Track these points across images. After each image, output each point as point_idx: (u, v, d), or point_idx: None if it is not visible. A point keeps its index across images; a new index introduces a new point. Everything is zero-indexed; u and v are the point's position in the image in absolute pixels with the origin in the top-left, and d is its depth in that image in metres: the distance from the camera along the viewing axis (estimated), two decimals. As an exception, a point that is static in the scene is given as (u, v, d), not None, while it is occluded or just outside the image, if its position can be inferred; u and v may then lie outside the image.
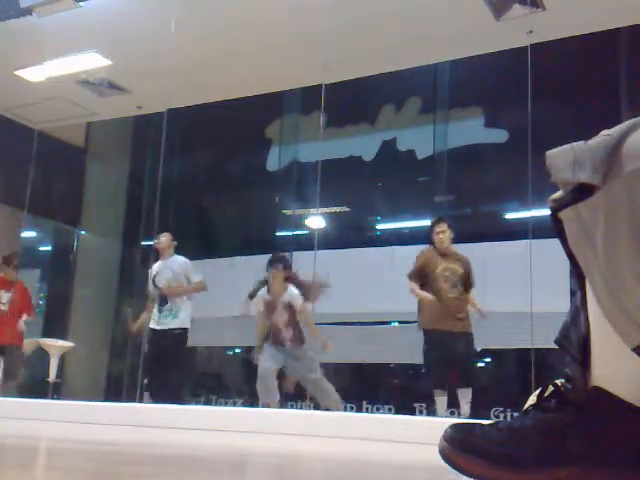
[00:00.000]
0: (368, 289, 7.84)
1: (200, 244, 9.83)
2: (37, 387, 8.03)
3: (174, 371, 6.27)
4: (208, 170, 10.13)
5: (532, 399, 1.06)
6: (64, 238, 10.39)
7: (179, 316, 6.27)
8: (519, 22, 6.11)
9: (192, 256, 7.19)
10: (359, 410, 7.54)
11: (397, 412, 7.28)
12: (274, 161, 9.65)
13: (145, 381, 6.43)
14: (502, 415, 6.83)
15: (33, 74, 7.78)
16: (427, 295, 5.55)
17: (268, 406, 5.85)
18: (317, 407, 5.92)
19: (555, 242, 0.99)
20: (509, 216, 8.68)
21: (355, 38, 6.68)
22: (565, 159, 0.95)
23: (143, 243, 9.81)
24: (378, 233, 9.78)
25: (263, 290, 6.07)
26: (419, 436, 3.37)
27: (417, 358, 5.91)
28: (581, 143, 0.95)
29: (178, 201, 9.53)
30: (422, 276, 5.63)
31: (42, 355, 8.01)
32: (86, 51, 7.30)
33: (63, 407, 5.22)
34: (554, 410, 1.00)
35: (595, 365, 0.98)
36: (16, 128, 8.81)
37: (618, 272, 0.89)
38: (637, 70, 6.94)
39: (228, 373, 9.95)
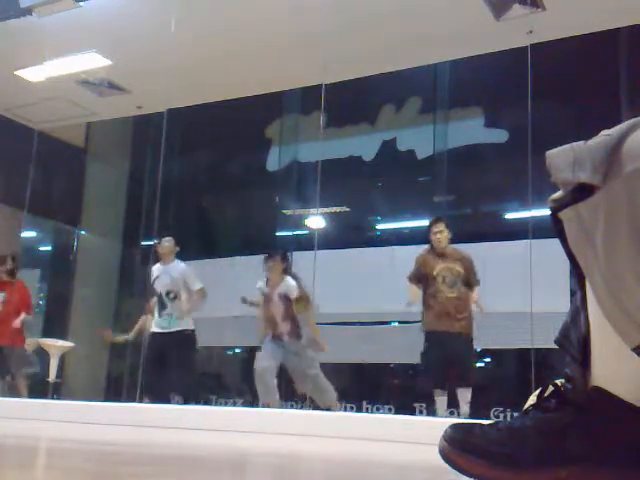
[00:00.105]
0: (368, 289, 7.84)
1: (200, 244, 9.83)
2: (37, 387, 8.02)
3: (186, 371, 6.34)
4: (208, 170, 10.13)
5: (532, 399, 1.06)
6: (64, 238, 10.39)
7: (183, 318, 6.30)
8: (519, 22, 6.10)
9: (192, 256, 7.21)
10: (359, 410, 7.54)
11: (397, 412, 7.28)
12: (274, 161, 9.65)
13: (142, 382, 6.43)
14: (502, 415, 6.83)
15: (33, 74, 7.78)
16: (413, 291, 5.60)
17: (268, 406, 5.85)
18: (316, 407, 5.92)
19: (555, 242, 0.99)
20: (509, 216, 8.68)
21: (355, 38, 6.68)
22: (565, 159, 0.95)
23: (143, 243, 9.81)
24: (378, 233, 9.78)
25: (262, 283, 6.09)
26: (419, 436, 3.37)
27: (417, 358, 5.92)
28: (581, 143, 0.95)
29: (178, 201, 9.53)
30: (421, 278, 5.65)
31: (42, 355, 8.01)
32: (86, 51, 7.30)
33: (63, 407, 5.22)
34: (554, 410, 1.00)
35: (595, 365, 0.98)
36: (16, 128, 8.82)
37: (618, 272, 0.89)
38: (637, 70, 6.94)
39: (228, 373, 9.95)
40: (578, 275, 0.98)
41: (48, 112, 8.53)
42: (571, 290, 1.08)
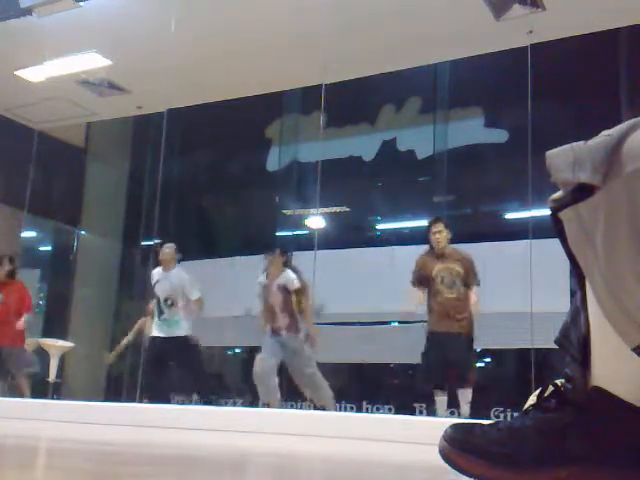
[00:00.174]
0: (368, 289, 7.84)
1: (200, 244, 9.83)
2: (37, 387, 8.02)
3: (194, 373, 6.39)
4: (208, 170, 10.13)
5: (532, 399, 1.06)
6: (64, 238, 10.39)
7: (182, 325, 6.33)
8: (519, 22, 6.10)
9: (192, 256, 7.21)
10: (359, 410, 7.54)
11: (397, 412, 7.28)
12: (274, 161, 9.65)
13: (142, 383, 6.45)
14: (502, 415, 6.83)
15: (33, 74, 7.78)
16: (416, 302, 5.62)
17: (268, 406, 5.86)
18: (315, 406, 5.92)
19: (555, 242, 0.99)
20: (509, 216, 8.68)
21: (355, 38, 6.68)
22: (565, 159, 0.95)
23: (143, 243, 9.81)
24: (378, 233, 9.78)
25: (262, 276, 6.10)
26: (419, 436, 3.37)
27: (417, 358, 5.92)
28: (581, 143, 0.95)
29: (178, 201, 9.53)
30: (423, 280, 5.65)
31: (42, 355, 8.01)
32: (86, 51, 7.30)
33: (63, 407, 5.22)
34: (554, 410, 1.00)
35: (595, 365, 0.98)
36: (16, 128, 8.82)
37: (618, 272, 0.89)
38: (637, 70, 6.94)
39: (228, 373, 9.95)
40: (578, 275, 0.98)
41: (48, 112, 8.53)
42: (571, 290, 1.08)
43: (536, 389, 1.07)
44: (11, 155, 8.56)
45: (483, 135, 8.35)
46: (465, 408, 5.42)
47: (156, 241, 6.70)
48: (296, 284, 5.95)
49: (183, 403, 6.44)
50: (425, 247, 5.82)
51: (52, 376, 7.82)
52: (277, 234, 9.59)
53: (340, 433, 3.88)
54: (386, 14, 6.36)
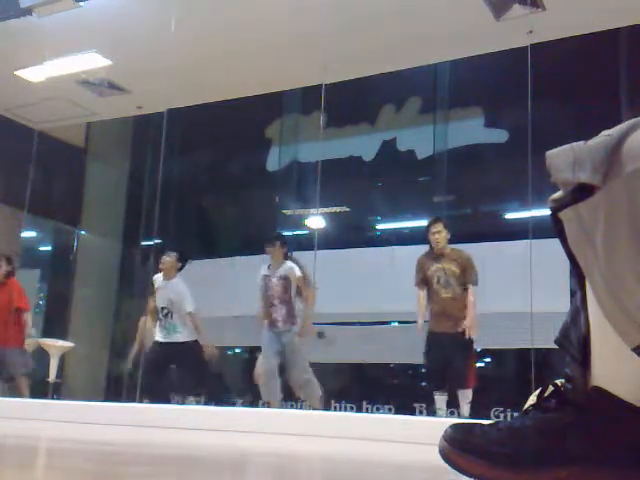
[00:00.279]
0: (368, 289, 7.84)
1: (200, 244, 9.83)
2: (37, 387, 8.02)
3: (196, 377, 6.43)
4: (208, 170, 10.13)
5: (532, 399, 1.06)
6: (64, 238, 10.39)
7: (181, 331, 6.35)
8: (519, 22, 6.10)
9: (192, 256, 7.20)
10: (359, 410, 7.53)
11: (397, 412, 7.28)
12: (274, 161, 9.65)
13: (142, 383, 6.46)
14: (502, 415, 6.83)
15: (33, 74, 7.78)
16: (422, 306, 5.63)
17: (269, 405, 5.88)
18: (316, 407, 5.92)
19: (555, 242, 0.99)
20: (509, 216, 8.68)
21: (355, 38, 6.68)
22: (565, 159, 0.95)
23: (143, 243, 9.81)
24: (378, 233, 9.78)
25: (264, 266, 6.12)
26: (419, 436, 3.37)
27: (417, 358, 5.92)
28: (581, 143, 0.95)
29: (178, 201, 9.53)
30: (424, 280, 5.67)
31: (42, 355, 8.00)
32: (86, 51, 7.30)
33: (63, 407, 5.22)
34: (554, 410, 1.00)
35: (595, 365, 0.98)
36: (16, 128, 8.81)
37: (618, 272, 0.89)
38: (637, 70, 6.94)
39: (228, 373, 9.95)
40: (578, 275, 0.98)
41: (48, 112, 8.53)
42: (571, 290, 1.08)
43: (536, 389, 1.07)
44: (11, 155, 8.56)
45: (483, 135, 8.35)
46: (465, 408, 5.42)
47: (156, 241, 6.70)
48: (297, 272, 5.97)
49: (183, 403, 6.44)
50: (425, 247, 5.83)
51: (52, 376, 7.81)
52: (277, 234, 9.59)
53: (340, 433, 3.88)
54: (386, 14, 6.36)
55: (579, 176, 0.93)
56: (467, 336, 5.48)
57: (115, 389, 9.72)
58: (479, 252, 5.98)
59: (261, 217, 9.75)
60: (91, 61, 7.51)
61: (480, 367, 7.62)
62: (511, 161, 7.50)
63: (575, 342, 1.01)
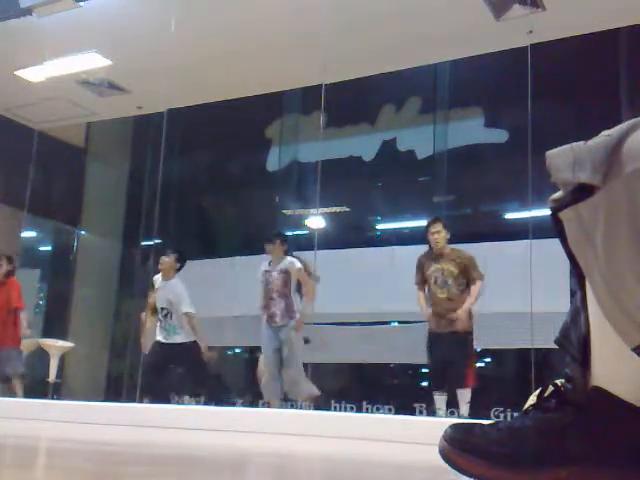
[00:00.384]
0: (368, 289, 7.83)
1: (200, 244, 9.83)
2: (37, 387, 8.02)
3: (193, 378, 6.44)
4: (208, 170, 10.13)
5: (532, 399, 1.06)
6: (64, 238, 10.39)
7: (180, 332, 6.36)
8: (519, 22, 6.10)
9: (192, 256, 7.19)
10: (359, 410, 7.53)
11: (397, 412, 7.28)
12: (274, 161, 9.65)
13: (142, 383, 6.46)
14: (502, 415, 6.83)
15: (33, 74, 7.78)
16: (422, 306, 5.64)
17: (269, 405, 5.89)
18: (317, 407, 5.92)
19: (555, 242, 0.99)
20: (509, 216, 8.67)
21: (355, 38, 6.68)
22: (565, 159, 0.95)
23: (143, 243, 9.81)
24: (378, 233, 9.78)
25: (265, 263, 6.14)
26: (419, 436, 3.37)
27: (417, 358, 5.92)
28: (581, 143, 0.95)
29: (178, 201, 9.53)
30: (423, 280, 5.70)
31: (42, 355, 8.00)
32: (86, 51, 7.30)
33: (63, 407, 5.22)
34: (554, 410, 1.00)
35: (595, 365, 0.98)
36: (16, 128, 8.81)
37: (618, 272, 0.89)
38: (637, 70, 6.94)
39: (228, 373, 9.95)
40: (578, 275, 0.98)
41: (48, 112, 8.53)
42: (571, 290, 1.08)
43: (536, 389, 1.07)
44: (11, 155, 8.56)
45: (483, 135, 8.35)
46: (464, 408, 5.42)
47: (156, 241, 6.70)
48: (298, 264, 5.99)
49: (182, 403, 6.45)
50: (425, 247, 5.83)
51: (52, 376, 7.81)
52: (277, 234, 9.58)
53: (340, 433, 3.88)
54: (386, 14, 6.36)
55: (579, 176, 0.93)
56: (459, 328, 5.48)
57: (115, 389, 9.72)
58: (479, 252, 5.97)
59: (261, 217, 9.75)
60: (91, 61, 7.51)
61: (480, 367, 7.62)
62: (511, 161, 7.50)
63: (575, 342, 1.01)
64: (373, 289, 7.79)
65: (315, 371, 6.24)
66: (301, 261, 6.11)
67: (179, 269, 6.60)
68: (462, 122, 8.62)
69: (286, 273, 6.01)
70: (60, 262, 10.29)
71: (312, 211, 8.81)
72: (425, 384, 7.39)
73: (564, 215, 0.94)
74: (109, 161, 10.29)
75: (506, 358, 8.13)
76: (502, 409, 6.91)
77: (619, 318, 0.90)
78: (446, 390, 5.55)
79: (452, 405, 5.66)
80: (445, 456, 1.02)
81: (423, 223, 6.09)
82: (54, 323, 9.64)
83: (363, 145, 9.05)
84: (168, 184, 8.16)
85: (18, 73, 7.81)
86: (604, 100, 7.20)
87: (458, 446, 1.01)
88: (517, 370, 7.95)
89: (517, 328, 6.67)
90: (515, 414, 6.10)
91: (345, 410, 7.66)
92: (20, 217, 9.06)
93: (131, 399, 6.87)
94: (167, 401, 6.12)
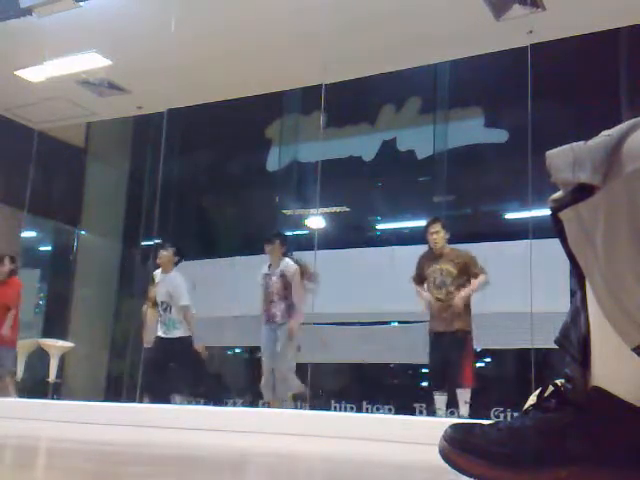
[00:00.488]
0: (368, 289, 7.83)
1: (200, 244, 9.83)
2: (37, 387, 8.02)
3: (187, 375, 6.42)
4: (208, 170, 10.13)
5: (532, 399, 1.06)
6: (64, 238, 10.39)
7: (179, 327, 6.37)
8: (519, 22, 6.10)
9: (192, 256, 7.20)
10: (359, 410, 7.54)
11: (397, 412, 7.28)
12: (274, 161, 9.65)
13: (142, 382, 6.47)
14: (502, 415, 6.83)
15: (33, 74, 7.78)
16: (426, 295, 5.64)
17: (269, 405, 5.89)
18: (316, 407, 5.92)
19: (555, 242, 0.99)
20: (509, 216, 8.67)
21: (355, 38, 6.68)
22: (565, 159, 0.95)
23: (143, 243, 9.81)
24: (378, 233, 9.78)
25: (265, 266, 6.16)
26: (419, 436, 3.37)
27: (417, 358, 5.92)
28: (581, 143, 0.95)
29: (178, 201, 9.53)
30: (420, 277, 5.71)
31: (42, 355, 8.00)
32: (86, 51, 7.30)
33: (63, 407, 5.22)
34: (554, 410, 1.00)
35: (595, 365, 0.98)
36: (16, 128, 8.81)
37: (618, 272, 0.89)
38: (637, 70, 6.94)
39: (228, 373, 9.95)
40: (578, 275, 0.98)
41: (48, 112, 8.53)
42: (571, 290, 1.08)
43: (536, 389, 1.07)
44: (11, 155, 8.56)
45: (483, 135, 8.34)
46: (463, 409, 5.42)
47: (156, 241, 6.71)
48: (291, 268, 6.00)
49: (181, 403, 6.45)
50: (425, 247, 5.84)
51: (52, 376, 7.81)
52: (277, 234, 9.58)
53: (340, 433, 3.88)
54: (386, 14, 6.36)
55: (579, 176, 0.93)
56: (458, 327, 5.48)
57: (115, 389, 9.72)
58: (479, 252, 5.97)
59: (261, 217, 9.75)
60: (91, 61, 7.51)
61: (480, 367, 7.63)
62: (511, 161, 7.50)
63: (575, 342, 1.01)
64: (373, 289, 7.79)
65: (315, 371, 6.24)
66: (300, 263, 6.11)
67: (177, 262, 6.61)
68: (462, 122, 8.62)
69: (284, 276, 6.04)
70: (60, 262, 10.29)
71: (312, 211, 8.81)
72: (425, 384, 7.39)
73: (564, 215, 0.94)
74: (109, 161, 10.29)
75: (506, 358, 8.13)
76: (502, 409, 6.91)
77: (619, 318, 0.90)
78: (446, 390, 5.55)
79: (452, 405, 5.66)
80: (445, 456, 1.02)
81: (423, 223, 6.09)
82: (54, 323, 9.64)
83: (363, 145, 9.05)
84: (168, 184, 8.16)
85: (18, 73, 7.81)
86: (604, 100, 7.20)
87: (458, 446, 1.01)
88: (517, 370, 7.94)
89: (517, 328, 6.67)
90: (515, 414, 6.10)
91: (345, 410, 7.67)
92: (20, 217, 9.06)
93: (131, 399, 6.87)
94: (167, 400, 6.12)
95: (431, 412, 5.93)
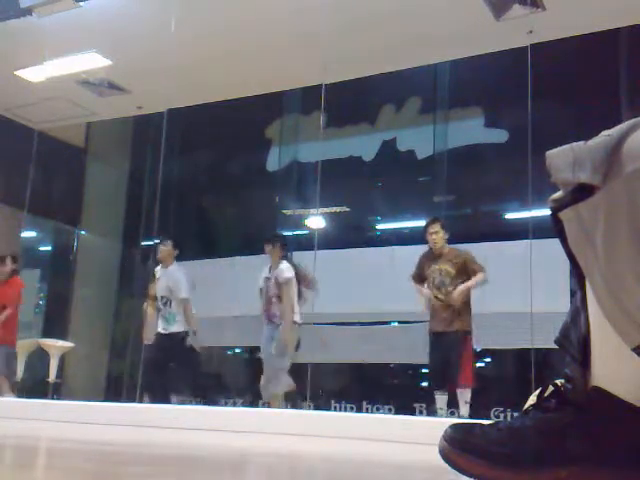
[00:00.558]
0: (368, 289, 7.84)
1: (200, 244, 9.83)
2: (37, 387, 8.02)
3: (181, 371, 6.39)
4: (208, 170, 10.13)
5: (532, 399, 1.06)
6: (64, 238, 10.39)
7: (178, 320, 6.36)
8: (519, 22, 6.11)
9: (192, 256, 7.20)
10: (359, 410, 7.54)
11: (397, 412, 7.28)
12: (274, 161, 9.65)
13: (142, 381, 6.46)
14: (502, 415, 6.83)
15: (33, 74, 7.78)
16: (426, 292, 5.64)
17: (269, 405, 5.90)
18: (317, 407, 5.93)
19: (555, 242, 0.99)
20: (509, 216, 8.68)
21: (355, 38, 6.68)
22: (565, 159, 0.95)
23: (143, 243, 9.81)
24: (378, 233, 9.78)
25: (265, 269, 6.17)
26: (419, 436, 3.37)
27: (417, 358, 5.91)
28: (581, 143, 0.95)
29: (178, 201, 9.53)
30: (420, 277, 5.71)
31: (42, 355, 8.00)
32: (86, 51, 7.30)
33: (63, 407, 5.22)
34: (554, 410, 1.00)
35: (595, 365, 0.98)
36: (16, 128, 8.82)
37: (618, 272, 0.89)
38: (637, 70, 6.94)
39: (228, 373, 9.95)
40: (578, 275, 0.98)
41: (48, 112, 8.53)
42: (571, 290, 1.08)
43: (536, 389, 1.07)
44: (11, 155, 8.56)
45: (483, 135, 8.34)
46: (464, 409, 5.42)
47: (156, 241, 6.70)
48: (283, 275, 5.98)
49: (182, 403, 6.44)
50: (425, 247, 5.84)
51: (52, 376, 7.81)
52: (277, 234, 9.58)
53: (340, 433, 3.88)
54: (386, 14, 6.36)
55: (579, 176, 0.93)
56: (457, 327, 5.48)
57: (115, 389, 9.72)
58: (479, 252, 5.97)
59: (261, 217, 9.75)
60: (91, 61, 7.51)
61: (480, 367, 7.63)
62: (511, 161, 7.50)
63: (575, 342, 1.01)
64: (373, 289, 7.79)
65: (315, 371, 6.24)
66: (299, 268, 6.09)
67: (177, 256, 6.60)
68: (462, 122, 8.62)
69: (278, 281, 6.04)
70: (60, 262, 10.29)
71: (312, 211, 8.81)
72: (425, 384, 7.39)
73: (564, 215, 0.94)
74: (109, 161, 10.29)
75: (506, 358, 8.13)
76: (502, 409, 6.91)
77: (619, 318, 0.90)
78: (447, 390, 5.55)
79: (452, 405, 5.66)
80: (445, 456, 1.02)
81: (423, 223, 6.09)
82: (54, 323, 9.65)
83: (363, 145, 9.05)
84: (168, 184, 8.16)
85: (18, 73, 7.81)
86: (604, 100, 7.20)
87: (458, 446, 1.01)
88: (517, 370, 7.94)
89: (517, 328, 6.68)
90: (515, 414, 6.10)
91: (345, 410, 7.67)
92: (20, 217, 9.07)
93: (131, 399, 6.88)
94: (167, 398, 6.12)
95: (431, 412, 5.93)
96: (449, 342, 5.50)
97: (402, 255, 7.52)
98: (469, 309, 5.61)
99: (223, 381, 9.74)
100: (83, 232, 10.25)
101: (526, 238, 5.92)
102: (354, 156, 9.02)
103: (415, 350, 5.98)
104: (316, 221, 8.88)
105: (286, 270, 6.01)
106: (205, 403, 7.13)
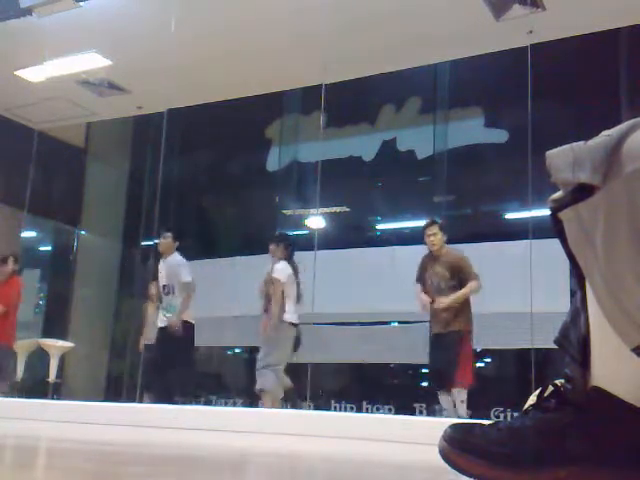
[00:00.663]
0: (368, 289, 7.83)
1: (200, 244, 9.83)
2: (37, 387, 8.02)
3: (179, 365, 6.36)
4: (208, 170, 10.14)
5: (532, 399, 1.06)
6: (64, 238, 10.39)
7: (177, 313, 6.33)
8: (519, 22, 6.11)
9: (192, 256, 7.19)
10: (359, 410, 7.54)
11: (397, 412, 7.29)
12: (274, 161, 9.65)
13: (142, 381, 6.44)
14: (502, 415, 6.83)
15: (33, 74, 7.78)
16: (424, 298, 5.62)
17: (261, 402, 5.90)
18: (317, 407, 5.92)
19: (555, 242, 0.99)
20: (509, 216, 8.68)
21: (355, 38, 6.68)
22: (565, 159, 0.95)
23: (143, 243, 9.82)
24: (378, 233, 9.78)
25: (269, 267, 6.17)
26: (419, 436, 3.37)
27: (417, 358, 5.91)
28: (581, 143, 0.95)
29: (178, 201, 9.53)
30: (422, 279, 5.71)
31: (42, 355, 8.00)
32: (86, 51, 7.30)
33: (62, 407, 5.22)
34: (554, 410, 1.00)
35: (595, 365, 0.98)
36: (16, 128, 8.82)
37: (618, 272, 0.89)
38: (637, 70, 6.94)
39: (228, 373, 9.95)
40: (578, 275, 0.98)
41: (48, 112, 8.53)
42: (571, 290, 1.08)
43: (536, 389, 1.07)
44: (11, 155, 8.56)
45: (483, 135, 8.35)
46: (460, 408, 5.40)
47: (156, 241, 6.70)
48: (275, 275, 5.97)
49: (183, 403, 6.44)
50: (425, 247, 5.83)
51: (52, 376, 7.81)
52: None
53: (340, 433, 3.88)
54: (386, 14, 6.36)
55: (579, 176, 0.93)
56: (456, 328, 5.47)
57: (115, 389, 9.72)
58: (479, 252, 5.98)
59: (261, 217, 9.76)
60: (91, 61, 7.51)
61: (480, 367, 7.63)
62: (511, 161, 7.50)
63: (575, 342, 1.01)
64: (373, 289, 7.79)
65: (315, 371, 6.24)
66: (294, 268, 6.08)
67: (177, 247, 6.56)
68: (462, 122, 8.62)
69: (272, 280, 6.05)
70: (60, 262, 10.29)
71: (312, 211, 8.81)
72: (425, 384, 7.39)
73: (564, 215, 0.94)
74: (109, 161, 10.29)
75: (506, 358, 8.13)
76: (502, 409, 6.91)
77: (619, 318, 0.90)
78: (448, 390, 5.55)
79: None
80: (445, 456, 1.02)
81: (423, 223, 6.09)
82: (54, 323, 9.65)
83: (363, 145, 9.05)
84: (168, 184, 8.17)
85: (18, 73, 7.81)
86: (604, 100, 7.20)
87: (458, 446, 1.01)
88: (517, 370, 7.95)
89: (517, 328, 6.68)
90: (515, 414, 6.11)
91: (345, 410, 7.67)
92: (20, 217, 9.07)
93: (131, 399, 6.88)
94: (168, 398, 6.11)
95: (431, 412, 5.93)
96: (448, 342, 5.50)
97: (402, 255, 7.52)
98: (469, 309, 5.60)
99: (223, 381, 9.74)
100: (83, 232, 10.25)
101: (526, 238, 5.92)
102: (354, 156, 9.03)
103: (415, 350, 5.98)
104: (316, 221, 8.88)
105: (278, 270, 5.99)
106: (205, 403, 7.12)
